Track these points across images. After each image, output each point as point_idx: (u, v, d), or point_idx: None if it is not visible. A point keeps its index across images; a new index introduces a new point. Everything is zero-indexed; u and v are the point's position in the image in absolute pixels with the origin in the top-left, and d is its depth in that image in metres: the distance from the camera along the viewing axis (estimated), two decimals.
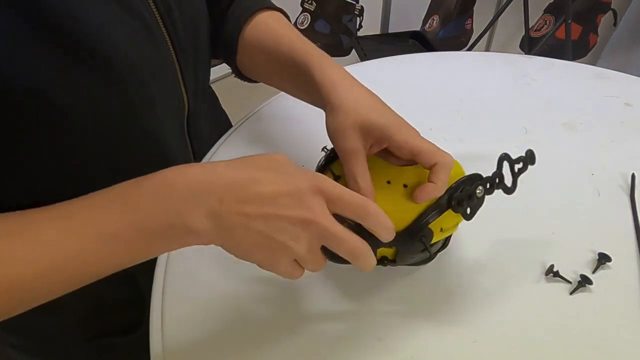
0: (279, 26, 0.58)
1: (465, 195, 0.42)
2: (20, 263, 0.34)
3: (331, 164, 0.47)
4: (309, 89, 0.50)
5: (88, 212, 0.35)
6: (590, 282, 0.50)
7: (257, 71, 0.62)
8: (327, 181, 0.36)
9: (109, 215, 0.35)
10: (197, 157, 0.63)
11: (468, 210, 0.43)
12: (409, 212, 0.42)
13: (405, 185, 0.43)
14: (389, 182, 0.42)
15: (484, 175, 0.44)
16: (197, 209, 0.34)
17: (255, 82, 0.65)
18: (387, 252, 0.44)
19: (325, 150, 0.49)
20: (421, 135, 0.44)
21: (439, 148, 0.43)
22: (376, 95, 0.48)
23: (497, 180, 0.43)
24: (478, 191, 0.43)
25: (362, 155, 0.43)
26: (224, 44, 0.61)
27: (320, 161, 0.49)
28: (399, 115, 0.46)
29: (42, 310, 0.38)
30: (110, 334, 0.61)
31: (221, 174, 0.35)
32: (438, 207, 0.42)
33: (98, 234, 0.34)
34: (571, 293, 0.50)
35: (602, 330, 0.47)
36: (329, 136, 0.46)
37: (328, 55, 0.51)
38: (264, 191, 0.35)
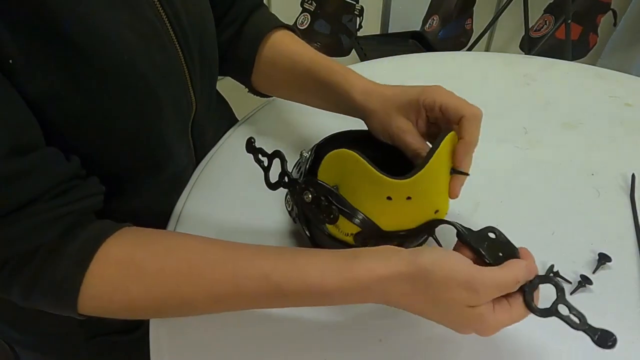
0: (297, 46, 0.61)
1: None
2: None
3: (316, 170, 0.46)
4: (338, 101, 0.55)
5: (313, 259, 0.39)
6: (590, 282, 0.50)
7: (275, 88, 0.64)
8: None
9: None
10: (199, 154, 0.63)
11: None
12: (417, 217, 0.43)
13: (408, 198, 0.42)
14: (389, 198, 0.41)
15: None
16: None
17: (269, 96, 0.67)
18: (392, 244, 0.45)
19: (304, 154, 0.49)
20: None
21: (466, 102, 0.45)
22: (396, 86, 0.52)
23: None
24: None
25: (414, 131, 0.48)
26: (238, 65, 0.63)
27: (301, 166, 0.49)
28: (423, 85, 0.49)
29: None
30: (110, 333, 0.61)
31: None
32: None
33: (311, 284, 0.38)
34: (571, 293, 0.50)
35: None
36: (378, 134, 0.51)
37: (350, 69, 0.56)
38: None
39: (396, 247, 0.39)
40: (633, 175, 0.63)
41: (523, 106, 0.76)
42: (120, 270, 0.39)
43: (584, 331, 0.37)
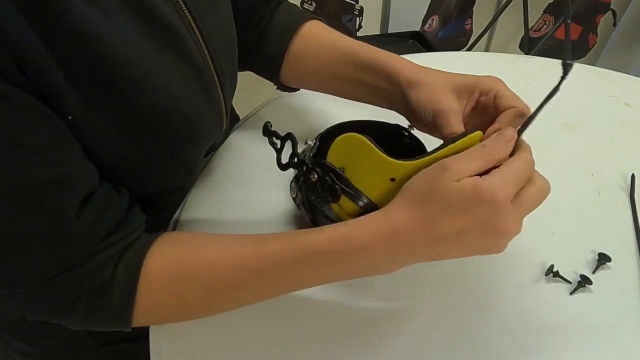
0: (330, 33, 0.60)
1: None
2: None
3: (323, 155, 0.47)
4: (377, 79, 0.54)
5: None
6: (590, 282, 0.50)
7: (306, 79, 0.63)
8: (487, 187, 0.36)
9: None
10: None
11: None
12: None
13: None
14: (392, 180, 0.42)
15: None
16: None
17: (296, 90, 0.67)
18: None
19: (308, 142, 0.51)
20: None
21: (520, 98, 0.46)
22: None
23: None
24: None
25: (460, 114, 0.47)
26: (267, 60, 0.62)
27: (306, 152, 0.50)
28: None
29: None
30: (120, 341, 0.61)
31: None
32: None
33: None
34: (571, 293, 0.50)
35: (602, 330, 0.47)
36: (419, 107, 0.49)
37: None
38: (451, 232, 0.37)
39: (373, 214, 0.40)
40: (633, 175, 0.63)
41: None
42: (164, 278, 0.41)
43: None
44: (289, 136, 0.46)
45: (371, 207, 0.42)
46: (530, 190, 0.37)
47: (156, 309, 0.42)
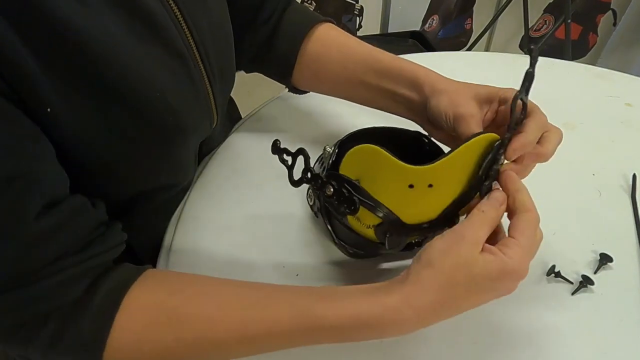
0: (348, 38, 0.60)
1: (490, 162, 0.42)
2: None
3: (337, 166, 0.46)
4: (398, 87, 0.54)
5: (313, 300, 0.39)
6: (591, 283, 0.50)
7: (320, 83, 0.63)
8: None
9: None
10: (201, 156, 0.63)
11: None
12: (438, 207, 0.43)
13: (430, 185, 0.42)
14: (411, 187, 0.42)
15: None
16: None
17: (306, 92, 0.66)
18: (413, 237, 0.46)
19: (327, 149, 0.49)
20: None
21: (539, 108, 0.46)
22: None
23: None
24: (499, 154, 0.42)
25: (479, 119, 0.47)
26: (279, 63, 0.61)
27: (324, 160, 0.49)
28: None
29: None
30: None
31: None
32: (476, 188, 0.42)
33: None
34: (573, 293, 0.50)
35: (603, 330, 0.47)
36: (440, 113, 0.49)
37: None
38: (474, 305, 0.39)
39: (404, 272, 0.39)
40: (634, 175, 0.63)
41: None
42: (148, 318, 0.38)
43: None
44: (301, 152, 0.44)
45: (391, 217, 0.42)
46: (537, 240, 0.39)
47: (130, 350, 0.38)
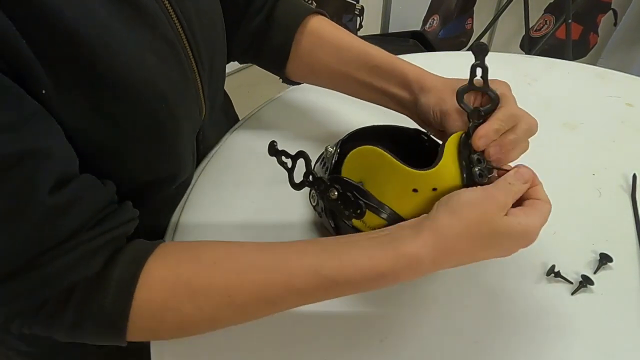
0: (341, 32, 0.60)
1: (465, 155, 0.43)
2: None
3: (339, 167, 0.46)
4: (389, 82, 0.55)
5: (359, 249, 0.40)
6: (591, 283, 0.50)
7: (315, 75, 0.63)
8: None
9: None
10: (200, 156, 0.63)
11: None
12: None
13: (434, 189, 0.42)
14: (415, 191, 0.42)
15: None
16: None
17: (299, 83, 0.66)
18: None
19: (329, 149, 0.49)
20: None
21: (515, 101, 0.47)
22: None
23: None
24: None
25: (463, 114, 0.47)
26: (272, 53, 0.61)
27: (326, 161, 0.49)
28: None
29: None
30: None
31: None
32: (473, 182, 0.42)
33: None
34: (572, 293, 0.50)
35: (603, 330, 0.47)
36: (428, 111, 0.51)
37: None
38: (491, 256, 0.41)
39: (415, 220, 0.41)
40: (634, 175, 0.63)
41: (523, 106, 0.75)
42: (168, 290, 0.38)
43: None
44: (301, 154, 0.43)
45: (396, 219, 0.42)
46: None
47: (152, 321, 0.39)
